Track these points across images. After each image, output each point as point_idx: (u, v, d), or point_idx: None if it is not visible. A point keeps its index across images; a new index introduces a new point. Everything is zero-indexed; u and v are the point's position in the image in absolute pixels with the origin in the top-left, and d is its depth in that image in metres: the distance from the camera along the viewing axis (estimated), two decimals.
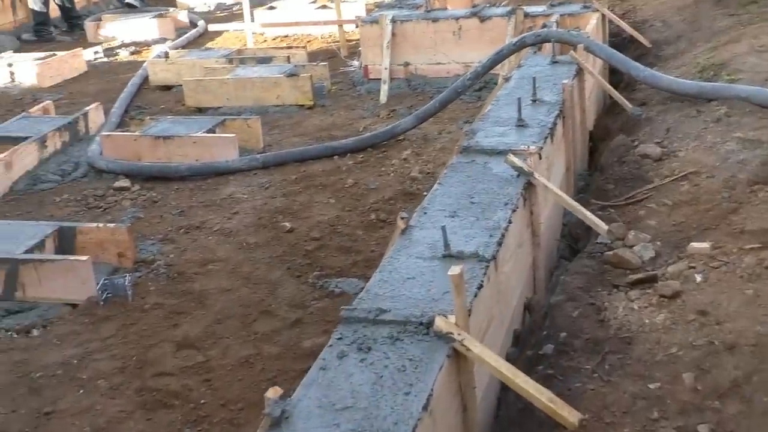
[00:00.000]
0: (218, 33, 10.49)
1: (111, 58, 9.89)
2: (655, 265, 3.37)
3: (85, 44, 10.69)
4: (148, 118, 6.67)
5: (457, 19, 7.32)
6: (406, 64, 7.52)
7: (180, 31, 10.81)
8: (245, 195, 5.56)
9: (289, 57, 8.11)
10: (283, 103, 7.36)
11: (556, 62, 5.45)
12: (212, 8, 12.60)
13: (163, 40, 10.41)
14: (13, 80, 8.78)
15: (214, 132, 6.26)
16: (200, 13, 12.29)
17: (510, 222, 3.33)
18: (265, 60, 8.11)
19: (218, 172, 5.90)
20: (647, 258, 3.42)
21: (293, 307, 4.13)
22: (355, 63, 8.20)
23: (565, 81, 4.78)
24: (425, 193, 4.46)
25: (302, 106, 7.33)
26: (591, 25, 6.56)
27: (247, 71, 7.69)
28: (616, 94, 5.46)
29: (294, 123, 6.98)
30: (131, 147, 6.15)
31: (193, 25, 11.09)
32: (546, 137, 4.20)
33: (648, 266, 3.38)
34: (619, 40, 7.29)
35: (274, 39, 9.92)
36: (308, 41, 9.76)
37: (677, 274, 3.18)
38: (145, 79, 8.41)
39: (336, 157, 6.06)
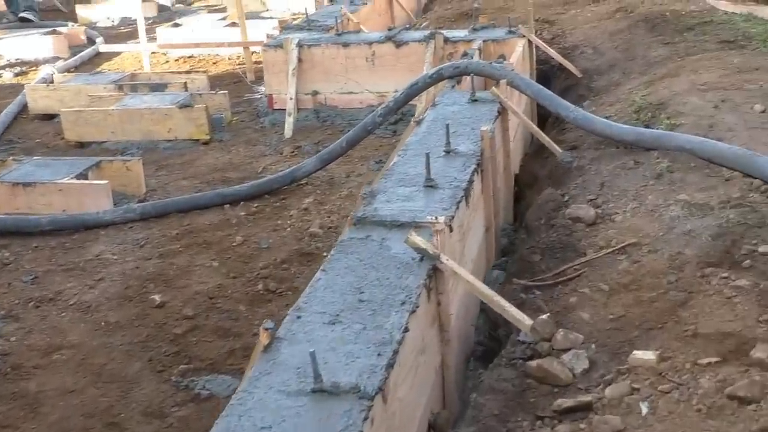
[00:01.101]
0: (117, 53, 9.61)
1: None
2: (590, 382, 2.67)
3: None
4: (11, 158, 5.78)
5: (370, 44, 6.60)
6: (315, 93, 6.76)
7: (75, 49, 9.89)
8: (115, 255, 4.73)
9: (186, 83, 7.28)
10: (176, 138, 6.54)
11: (475, 100, 4.77)
12: (116, 23, 11.70)
13: (55, 60, 9.49)
14: None
15: (86, 177, 5.42)
16: (102, 29, 11.40)
17: (407, 330, 2.60)
18: (159, 87, 7.28)
19: (87, 225, 5.05)
20: (579, 371, 2.72)
21: (148, 416, 3.33)
22: (262, 89, 7.42)
23: (484, 127, 4.08)
24: (325, 254, 3.74)
25: (197, 140, 6.53)
26: (517, 52, 5.90)
27: (136, 100, 6.84)
28: (545, 138, 4.79)
29: (185, 162, 6.17)
30: None
31: (91, 42, 10.18)
32: (460, 201, 3.49)
33: (580, 382, 2.68)
34: (547, 68, 6.67)
35: (177, 60, 9.09)
36: (214, 63, 8.95)
37: (617, 401, 2.48)
38: (24, 107, 7.50)
39: (227, 206, 5.27)
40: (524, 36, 6.25)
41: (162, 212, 5.18)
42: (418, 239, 2.96)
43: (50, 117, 7.35)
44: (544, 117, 5.87)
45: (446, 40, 6.45)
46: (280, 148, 6.29)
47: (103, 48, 8.58)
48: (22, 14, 11.64)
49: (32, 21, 11.59)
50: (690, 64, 5.40)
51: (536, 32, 7.09)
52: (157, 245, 4.83)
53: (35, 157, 5.82)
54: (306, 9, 8.23)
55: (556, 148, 4.75)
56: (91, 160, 5.58)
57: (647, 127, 4.60)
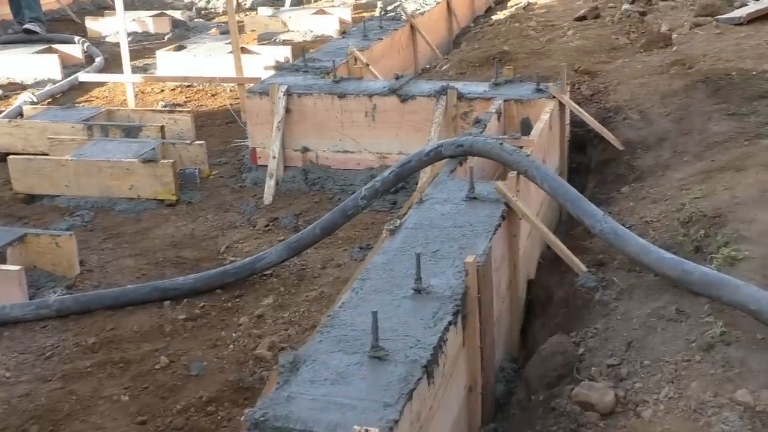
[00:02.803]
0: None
1: None
2: None
3: None
4: None
5: (370, 96, 5.53)
6: (305, 150, 5.72)
7: (71, 69, 9.01)
8: (8, 372, 3.74)
9: (163, 128, 6.29)
10: (139, 196, 5.56)
11: (474, 198, 3.69)
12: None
13: (45, 82, 8.60)
14: None
15: (4, 254, 4.45)
16: (109, 45, 10.49)
17: None
18: (132, 130, 6.30)
19: None
20: None
21: None
22: None
23: (469, 259, 3.00)
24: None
25: (163, 201, 5.54)
26: (542, 119, 4.80)
27: (97, 148, 5.88)
28: (566, 253, 3.69)
29: (140, 231, 5.17)
30: None
31: (90, 61, 9.28)
32: (413, 388, 2.42)
33: None
34: (584, 132, 5.53)
35: (173, 89, 8.11)
36: (213, 95, 7.97)
37: None
38: None
39: (168, 302, 4.26)
40: (554, 97, 5.14)
41: (85, 308, 4.19)
42: None
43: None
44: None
45: (460, 96, 5.36)
46: (254, 218, 5.26)
47: (84, 77, 7.66)
48: (26, 26, 10.79)
49: (37, 33, 10.75)
50: (762, 153, 4.24)
51: (573, 86, 5.97)
52: (65, 359, 3.83)
53: None
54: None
55: (579, 265, 3.66)
56: (14, 233, 4.60)
57: (697, 250, 3.48)
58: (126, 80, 7.16)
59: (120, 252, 4.89)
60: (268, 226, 5.15)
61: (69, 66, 9.20)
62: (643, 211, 4.08)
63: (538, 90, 5.29)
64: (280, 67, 6.21)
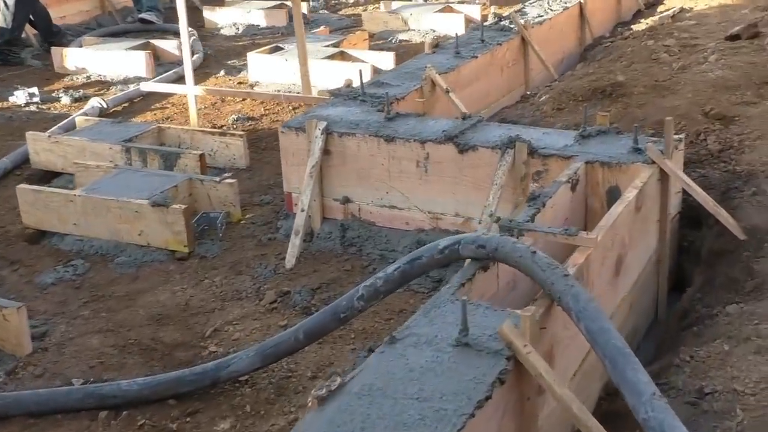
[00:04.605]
0: (203, 78, 7.97)
1: (47, 106, 7.55)
2: None
3: (51, 75, 8.46)
4: None
5: (423, 142, 4.40)
6: (346, 201, 4.69)
7: (166, 66, 8.38)
8: None
9: (203, 156, 5.43)
10: (149, 244, 4.73)
11: (466, 344, 2.56)
12: (239, 31, 10.07)
13: (138, 80, 8.00)
14: None
15: None
16: (223, 37, 9.83)
17: None
18: (170, 157, 5.49)
19: None
20: None
21: None
22: None
23: None
24: None
25: (174, 252, 4.68)
26: (627, 196, 3.55)
27: (117, 180, 5.09)
28: None
29: (129, 294, 4.33)
30: None
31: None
32: None
33: None
34: (698, 205, 4.17)
35: (254, 100, 7.24)
36: (294, 108, 7.04)
37: None
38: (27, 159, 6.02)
39: (104, 413, 3.38)
40: (654, 162, 3.83)
41: (3, 413, 3.38)
42: None
43: (54, 175, 5.82)
44: None
45: (533, 151, 4.14)
46: (264, 289, 4.29)
47: (146, 87, 6.92)
48: (142, 15, 10.36)
49: (153, 23, 10.28)
50: None
51: (697, 136, 4.61)
52: None
53: None
54: (456, 33, 6.17)
55: None
56: None
57: None
58: (188, 92, 6.36)
59: (92, 325, 4.05)
60: (275, 302, 4.17)
61: (165, 63, 8.60)
62: (739, 366, 2.78)
63: (635, 150, 4.00)
64: (336, 94, 5.18)
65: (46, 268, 4.61)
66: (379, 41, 9.28)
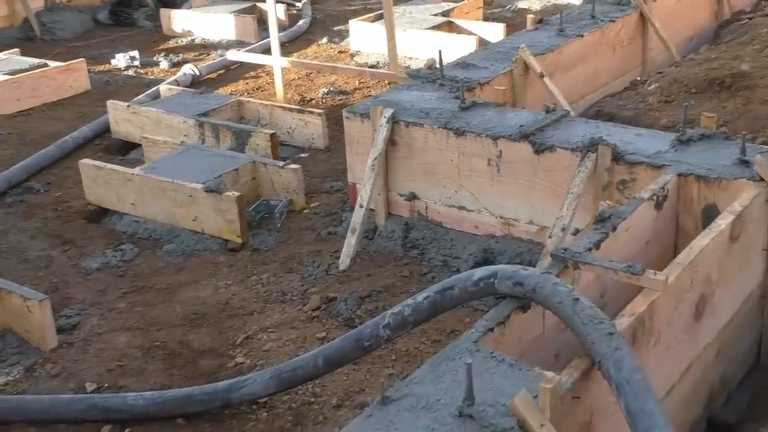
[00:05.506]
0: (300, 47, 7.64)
1: (146, 70, 7.40)
2: None
3: (159, 38, 8.34)
4: None
5: (495, 138, 3.87)
6: (412, 198, 4.23)
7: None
8: None
9: (274, 136, 5.09)
10: (202, 231, 4.45)
11: (470, 416, 2.09)
12: None
13: (240, 45, 7.77)
14: None
15: None
16: (336, 1, 9.44)
17: None
18: (241, 135, 5.18)
19: None
20: None
21: None
22: None
23: None
24: None
25: (227, 242, 4.38)
26: (720, 223, 2.94)
27: (180, 159, 4.83)
28: None
29: (170, 287, 4.05)
30: None
31: (295, 20, 8.31)
32: None
33: None
34: None
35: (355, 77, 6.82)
36: (390, 83, 6.58)
37: None
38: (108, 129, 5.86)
39: (107, 427, 3.12)
40: (762, 180, 3.19)
41: (4, 418, 3.17)
42: None
43: (132, 147, 5.63)
44: None
45: (618, 156, 3.54)
46: (310, 293, 3.92)
47: (233, 57, 6.60)
48: None
49: None
50: None
51: None
52: None
53: None
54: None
55: None
56: None
57: None
58: (274, 63, 6.02)
59: (124, 320, 3.80)
60: (318, 308, 3.79)
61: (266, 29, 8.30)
62: None
63: (743, 162, 3.35)
64: (414, 75, 4.70)
65: (95, 251, 4.41)
66: (496, 9, 8.66)
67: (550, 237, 3.57)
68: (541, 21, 5.59)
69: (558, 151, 3.72)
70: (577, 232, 3.63)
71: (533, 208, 3.87)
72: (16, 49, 7.37)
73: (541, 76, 4.76)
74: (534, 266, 3.67)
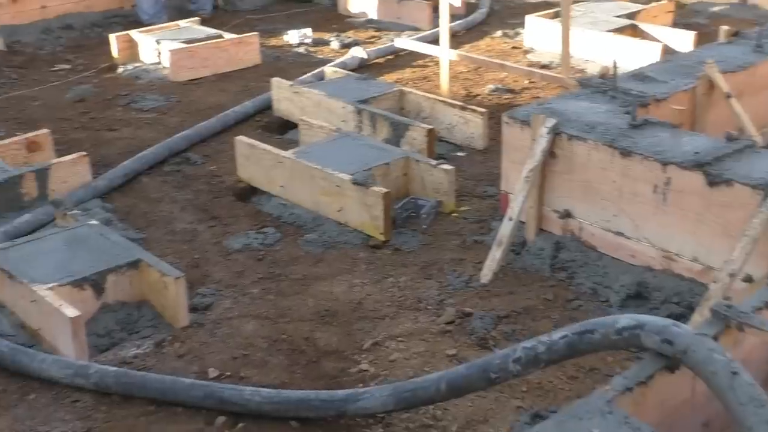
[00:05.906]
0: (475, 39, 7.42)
1: (316, 49, 7.40)
2: None
3: (333, 17, 8.35)
4: (67, 213, 4.13)
5: (665, 164, 3.54)
6: (567, 215, 3.96)
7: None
8: None
9: (432, 131, 4.92)
10: (347, 223, 4.35)
11: None
12: None
13: (414, 30, 7.65)
14: (158, 64, 6.81)
15: (101, 282, 3.58)
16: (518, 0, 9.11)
17: None
18: (399, 127, 5.04)
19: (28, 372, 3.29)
20: None
21: None
22: None
23: None
24: None
25: (369, 238, 4.26)
26: None
27: (333, 146, 4.75)
28: None
29: (304, 279, 3.97)
30: None
31: (471, 10, 8.10)
32: None
33: None
34: None
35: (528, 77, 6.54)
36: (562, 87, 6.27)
37: None
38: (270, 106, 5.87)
39: (223, 418, 3.06)
40: None
41: (125, 391, 3.17)
42: None
43: (291, 126, 5.62)
44: None
45: None
46: (446, 304, 3.73)
47: (400, 44, 6.43)
48: None
49: None
50: None
51: None
52: None
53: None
54: None
55: None
56: (130, 253, 3.69)
57: None
58: (441, 55, 5.84)
59: (255, 307, 3.75)
60: (452, 323, 3.60)
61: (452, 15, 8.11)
62: None
63: None
64: (584, 83, 4.40)
65: (239, 231, 4.40)
66: (688, 15, 8.11)
67: (715, 282, 3.23)
68: (736, 33, 5.13)
69: (736, 186, 3.35)
70: (748, 279, 3.28)
71: (700, 245, 3.52)
72: (196, 18, 7.55)
73: (728, 96, 4.35)
74: (693, 309, 3.36)
